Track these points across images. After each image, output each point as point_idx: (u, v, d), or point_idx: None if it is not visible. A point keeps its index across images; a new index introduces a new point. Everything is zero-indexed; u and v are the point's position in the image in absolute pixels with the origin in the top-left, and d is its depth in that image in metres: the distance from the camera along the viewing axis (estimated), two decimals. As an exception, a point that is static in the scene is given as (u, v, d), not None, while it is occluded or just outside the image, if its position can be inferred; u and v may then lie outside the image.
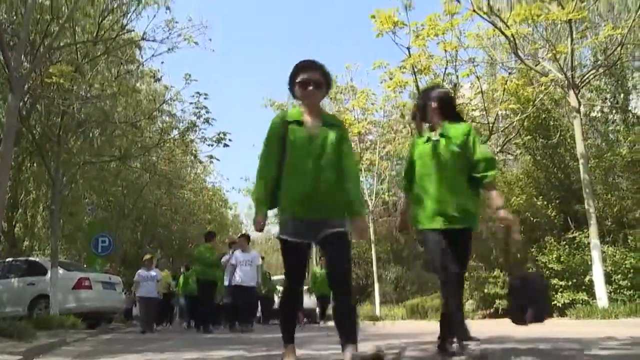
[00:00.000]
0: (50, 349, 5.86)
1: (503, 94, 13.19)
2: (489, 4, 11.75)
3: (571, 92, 11.43)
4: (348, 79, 19.97)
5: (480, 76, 14.04)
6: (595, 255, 10.42)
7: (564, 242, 12.39)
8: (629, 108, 15.13)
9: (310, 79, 3.33)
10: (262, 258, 12.35)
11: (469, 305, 13.37)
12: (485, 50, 14.29)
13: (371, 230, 17.66)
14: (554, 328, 6.99)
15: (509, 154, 16.91)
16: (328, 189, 3.24)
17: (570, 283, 11.60)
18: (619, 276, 11.14)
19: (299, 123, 3.32)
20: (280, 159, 3.30)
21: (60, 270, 11.87)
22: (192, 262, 13.21)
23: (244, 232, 20.79)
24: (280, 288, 14.70)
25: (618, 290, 10.96)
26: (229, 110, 65.59)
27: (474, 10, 11.81)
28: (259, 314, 15.53)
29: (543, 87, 13.27)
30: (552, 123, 14.43)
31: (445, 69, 13.39)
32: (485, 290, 12.97)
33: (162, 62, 30.16)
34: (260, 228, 3.31)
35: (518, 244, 10.17)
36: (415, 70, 13.35)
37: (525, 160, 15.40)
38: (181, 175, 24.40)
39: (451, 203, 3.62)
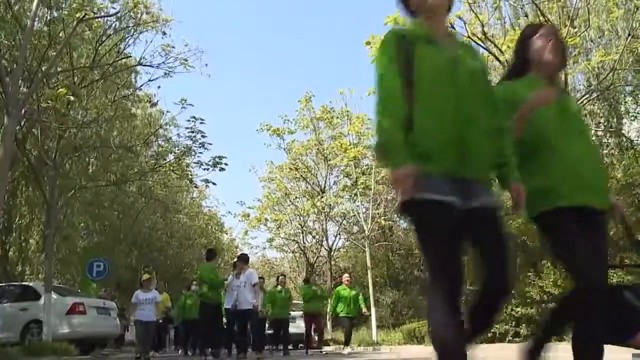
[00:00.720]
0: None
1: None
2: (483, 30, 11.93)
3: (566, 117, 11.50)
4: (342, 104, 20.27)
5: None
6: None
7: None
8: (623, 132, 15.26)
9: None
10: (262, 278, 12.01)
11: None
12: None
13: (367, 254, 17.64)
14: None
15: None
16: (483, 136, 2.22)
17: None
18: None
19: (431, 41, 2.26)
20: (406, 91, 2.17)
21: (54, 295, 11.66)
22: (199, 284, 12.51)
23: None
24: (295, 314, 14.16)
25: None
26: (225, 135, 65.81)
27: (469, 37, 11.98)
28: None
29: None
30: (547, 147, 14.47)
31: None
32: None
33: (159, 87, 30.44)
34: (412, 183, 2.02)
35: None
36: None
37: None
38: (177, 199, 24.41)
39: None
